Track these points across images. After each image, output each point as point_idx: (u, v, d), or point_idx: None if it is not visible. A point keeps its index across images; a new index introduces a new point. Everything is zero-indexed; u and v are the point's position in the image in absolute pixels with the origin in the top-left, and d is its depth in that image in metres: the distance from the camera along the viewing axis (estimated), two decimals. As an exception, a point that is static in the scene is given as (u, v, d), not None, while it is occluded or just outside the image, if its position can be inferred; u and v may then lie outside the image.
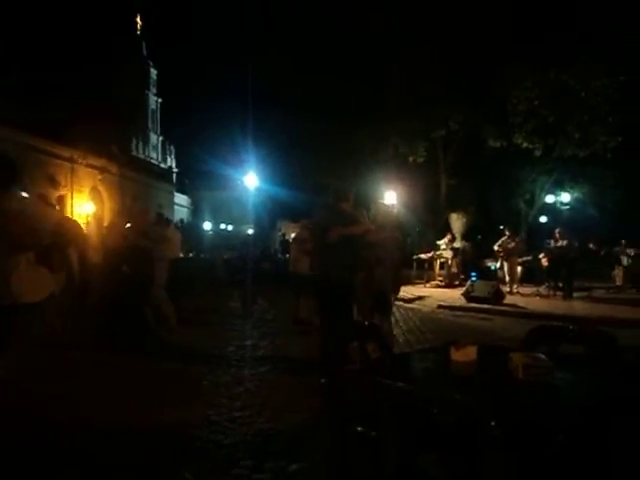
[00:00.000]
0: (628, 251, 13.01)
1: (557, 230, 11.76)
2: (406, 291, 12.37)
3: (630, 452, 2.06)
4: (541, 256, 12.13)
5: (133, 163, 39.33)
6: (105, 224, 10.30)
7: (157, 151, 52.61)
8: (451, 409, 2.04)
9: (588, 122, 15.23)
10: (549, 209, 23.86)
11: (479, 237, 22.21)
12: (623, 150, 15.72)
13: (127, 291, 6.12)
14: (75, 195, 29.33)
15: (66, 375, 4.86)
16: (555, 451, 1.94)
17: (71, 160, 30.11)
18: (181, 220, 45.40)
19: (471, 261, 15.60)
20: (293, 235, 10.80)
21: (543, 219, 25.45)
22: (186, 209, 51.88)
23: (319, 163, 18.94)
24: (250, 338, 7.16)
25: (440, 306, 10.52)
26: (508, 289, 11.87)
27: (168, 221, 9.07)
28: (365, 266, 4.87)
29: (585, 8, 13.57)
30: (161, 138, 53.51)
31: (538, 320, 7.58)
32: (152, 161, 49.63)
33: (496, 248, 12.78)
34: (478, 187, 20.94)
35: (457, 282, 14.27)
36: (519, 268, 12.83)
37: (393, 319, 8.52)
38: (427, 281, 14.79)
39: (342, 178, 16.88)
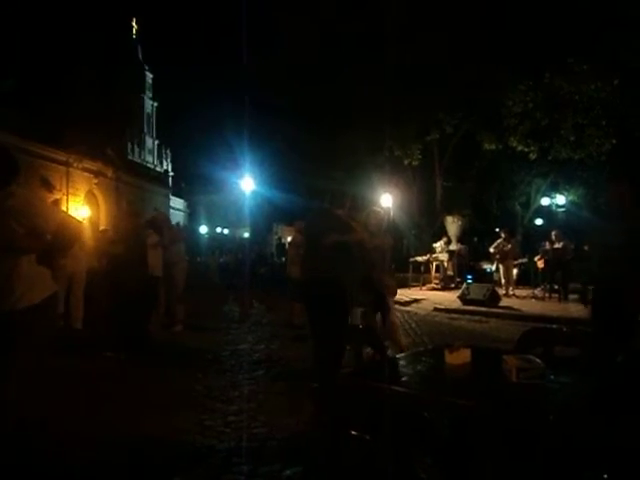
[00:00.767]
0: None
1: (554, 232, 11.77)
2: (402, 294, 12.38)
3: (623, 453, 2.06)
4: (537, 258, 12.14)
5: (129, 167, 39.22)
6: (101, 228, 10.27)
7: (153, 155, 52.56)
8: (445, 412, 2.04)
9: (582, 125, 15.31)
10: (545, 211, 23.94)
11: (475, 240, 22.28)
12: (618, 152, 15.80)
13: (125, 296, 6.07)
14: (70, 199, 29.20)
15: (57, 381, 4.82)
16: (548, 453, 1.94)
17: (66, 164, 30.00)
18: (177, 224, 45.27)
19: (467, 264, 15.62)
20: (289, 239, 10.80)
21: (539, 221, 25.53)
22: (182, 213, 51.79)
23: (315, 166, 18.96)
24: (245, 342, 7.13)
25: (436, 309, 10.52)
26: (504, 291, 11.88)
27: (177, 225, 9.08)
28: (363, 270, 4.87)
29: (578, 12, 13.64)
30: (157, 142, 53.48)
31: (534, 322, 7.61)
32: (148, 165, 49.54)
33: (492, 250, 12.80)
34: (474, 190, 21.00)
35: (453, 285, 14.29)
36: (515, 270, 12.85)
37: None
38: (423, 284, 14.79)
39: (337, 181, 16.91)
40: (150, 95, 53.50)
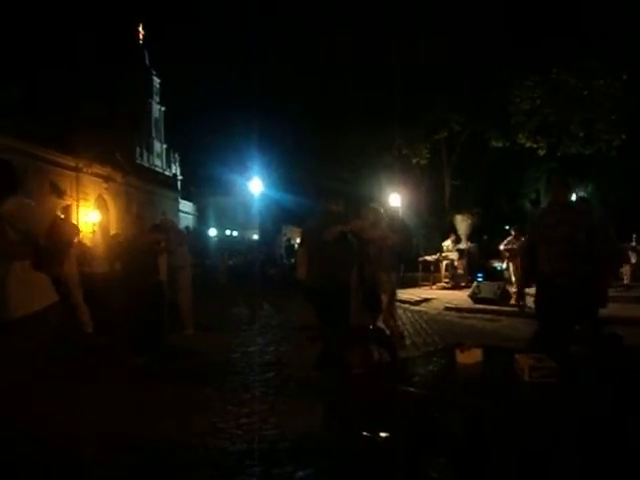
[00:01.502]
0: (638, 247, 12.89)
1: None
2: (412, 293, 12.34)
3: (637, 451, 2.03)
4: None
5: (138, 171, 39.45)
6: (111, 233, 10.36)
7: (161, 159, 52.76)
8: (457, 412, 2.02)
9: (591, 120, 15.18)
10: (555, 208, 23.70)
11: (485, 238, 22.14)
12: (627, 147, 15.65)
13: (140, 299, 6.11)
14: (81, 204, 29.39)
15: (70, 383, 4.85)
16: (562, 451, 1.92)
17: (76, 169, 30.24)
18: (186, 227, 45.49)
19: (477, 262, 15.52)
20: (298, 240, 10.81)
21: (549, 218, 25.29)
22: (191, 216, 51.99)
23: (323, 167, 18.97)
24: (255, 344, 7.14)
25: (447, 308, 10.47)
26: (515, 289, 11.79)
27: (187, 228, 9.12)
28: (357, 263, 4.88)
29: (586, 7, 13.54)
30: (165, 146, 53.68)
31: (545, 320, 7.54)
32: (156, 169, 49.74)
33: (502, 248, 12.71)
34: (483, 188, 20.89)
35: (463, 283, 14.20)
36: (525, 268, 12.72)
37: (399, 322, 8.51)
38: (433, 283, 14.73)
39: (346, 182, 16.90)
40: (158, 99, 53.72)
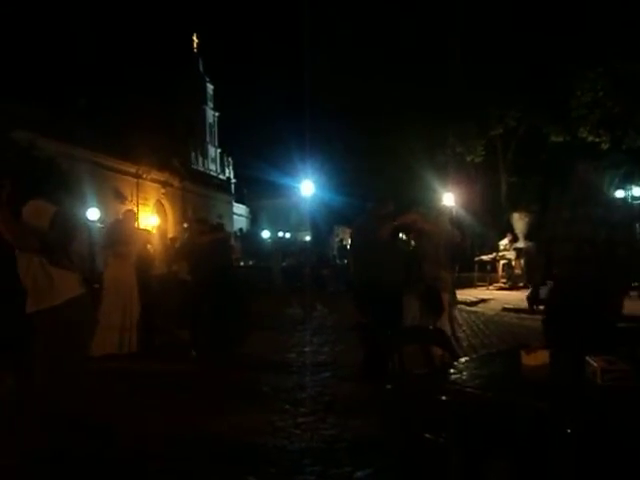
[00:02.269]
0: None
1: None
2: (469, 294, 12.05)
3: None
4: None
5: (193, 176, 40.63)
6: (170, 235, 10.71)
7: (215, 163, 54.12)
8: (524, 415, 1.95)
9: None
10: (619, 204, 22.59)
11: (544, 237, 21.30)
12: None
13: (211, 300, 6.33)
14: (140, 209, 30.60)
15: (131, 384, 5.05)
16: (637, 460, 1.81)
17: (136, 175, 31.53)
18: (240, 229, 46.40)
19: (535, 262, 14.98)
20: (350, 241, 10.79)
21: (613, 215, 24.11)
22: (245, 218, 53.01)
23: (373, 167, 18.88)
24: (310, 344, 7.18)
25: (505, 309, 10.16)
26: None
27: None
28: (416, 262, 4.81)
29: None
30: (219, 150, 55.03)
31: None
32: (211, 173, 51.09)
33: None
34: (541, 184, 20.12)
35: (521, 284, 13.74)
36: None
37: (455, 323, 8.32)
38: (490, 283, 14.34)
39: (397, 182, 16.74)
40: (211, 105, 55.17)
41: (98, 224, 21.50)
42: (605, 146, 15.99)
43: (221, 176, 52.48)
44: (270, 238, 42.43)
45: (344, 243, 29.65)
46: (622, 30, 13.24)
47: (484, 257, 14.96)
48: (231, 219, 45.03)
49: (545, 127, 16.66)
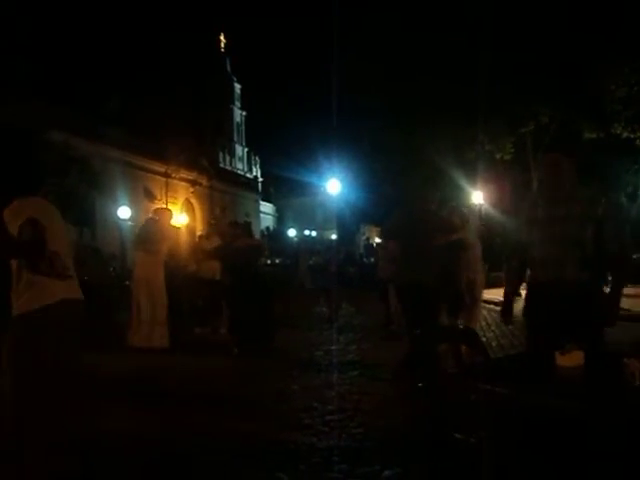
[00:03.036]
0: None
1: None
2: (497, 294, 11.82)
3: None
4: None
5: (221, 175, 41.03)
6: (198, 234, 10.83)
7: (243, 162, 54.55)
8: (558, 417, 1.92)
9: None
10: (655, 202, 21.90)
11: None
12: None
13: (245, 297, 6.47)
14: (170, 207, 31.07)
15: (154, 379, 5.14)
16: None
17: (166, 175, 32.03)
18: (267, 228, 46.72)
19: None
20: (377, 240, 10.73)
21: (649, 213, 23.40)
22: (271, 217, 53.33)
23: (400, 166, 18.73)
24: (337, 343, 7.19)
25: (535, 309, 9.95)
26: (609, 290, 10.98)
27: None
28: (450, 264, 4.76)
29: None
30: (246, 149, 55.44)
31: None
32: (238, 172, 51.50)
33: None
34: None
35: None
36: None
37: (484, 323, 8.24)
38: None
39: (426, 181, 16.58)
40: (239, 105, 55.61)
41: (129, 222, 21.96)
42: (640, 142, 15.55)
43: (248, 175, 52.85)
44: (296, 236, 42.61)
45: (370, 242, 29.54)
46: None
47: (514, 256, 14.69)
48: (258, 217, 45.30)
49: (578, 123, 16.27)
